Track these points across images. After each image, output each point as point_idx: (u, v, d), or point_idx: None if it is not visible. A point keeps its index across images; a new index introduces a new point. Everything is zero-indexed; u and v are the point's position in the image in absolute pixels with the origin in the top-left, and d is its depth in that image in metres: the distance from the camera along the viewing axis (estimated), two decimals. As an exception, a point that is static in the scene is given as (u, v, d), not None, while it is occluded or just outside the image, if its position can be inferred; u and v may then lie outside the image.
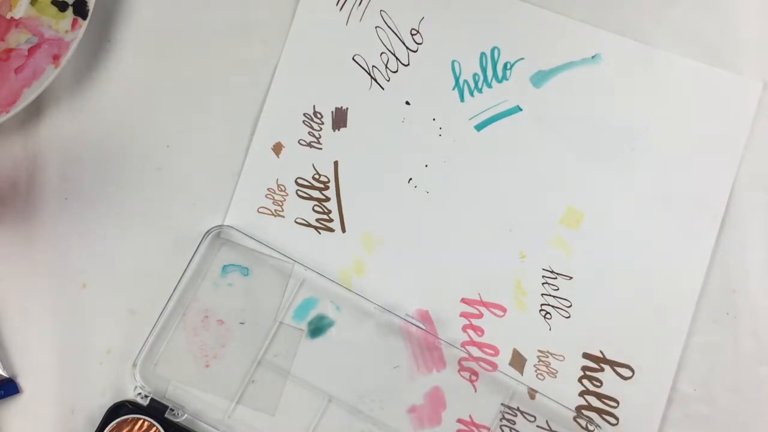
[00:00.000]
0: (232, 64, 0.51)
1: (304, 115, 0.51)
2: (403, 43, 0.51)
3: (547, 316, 0.50)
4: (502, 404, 0.50)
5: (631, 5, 0.50)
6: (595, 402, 0.50)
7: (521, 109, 0.50)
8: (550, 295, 0.50)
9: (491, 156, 0.50)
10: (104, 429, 0.49)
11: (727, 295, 0.50)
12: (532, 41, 0.50)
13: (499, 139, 0.50)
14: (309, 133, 0.51)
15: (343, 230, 0.51)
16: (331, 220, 0.51)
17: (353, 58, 0.51)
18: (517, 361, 0.50)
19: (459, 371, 0.50)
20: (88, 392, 0.50)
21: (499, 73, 0.50)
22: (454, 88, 0.51)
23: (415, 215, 0.50)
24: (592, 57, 0.50)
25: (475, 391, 0.50)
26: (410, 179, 0.51)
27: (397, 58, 0.51)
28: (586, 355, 0.50)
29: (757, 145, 0.50)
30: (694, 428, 0.49)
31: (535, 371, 0.50)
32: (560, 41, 0.50)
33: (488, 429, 0.50)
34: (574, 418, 0.49)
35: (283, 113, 0.51)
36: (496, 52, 0.50)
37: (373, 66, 0.51)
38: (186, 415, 0.49)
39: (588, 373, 0.50)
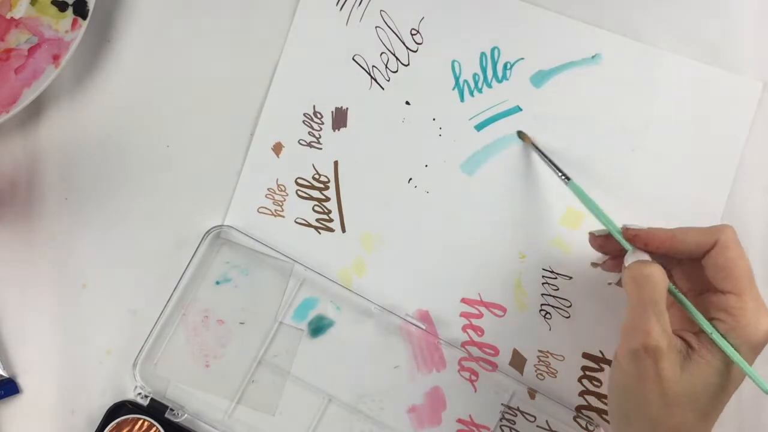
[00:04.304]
0: (232, 65, 0.51)
1: (304, 115, 0.51)
2: (403, 43, 0.51)
3: (547, 316, 0.50)
4: (502, 404, 0.50)
5: (631, 5, 0.50)
6: (595, 402, 0.50)
7: (521, 109, 0.50)
8: (550, 295, 0.50)
9: (491, 156, 0.50)
10: (104, 429, 0.49)
11: (728, 295, 0.50)
12: (532, 41, 0.50)
13: (499, 139, 0.50)
14: (309, 133, 0.51)
15: (343, 230, 0.51)
16: (331, 220, 0.51)
17: (353, 58, 0.51)
18: (517, 361, 0.50)
19: (459, 371, 0.50)
20: (88, 392, 0.50)
21: (499, 73, 0.50)
22: (454, 88, 0.51)
23: (415, 215, 0.50)
24: (592, 57, 0.50)
25: (475, 391, 0.50)
26: (410, 179, 0.51)
27: (397, 58, 0.51)
28: (586, 355, 0.50)
29: (757, 145, 0.50)
30: (694, 428, 0.49)
31: (535, 371, 0.50)
32: (560, 41, 0.50)
33: (488, 429, 0.50)
34: (574, 418, 0.49)
35: (283, 113, 0.51)
36: (496, 52, 0.50)
37: (373, 66, 0.51)
38: (186, 415, 0.49)
39: (588, 373, 0.50)
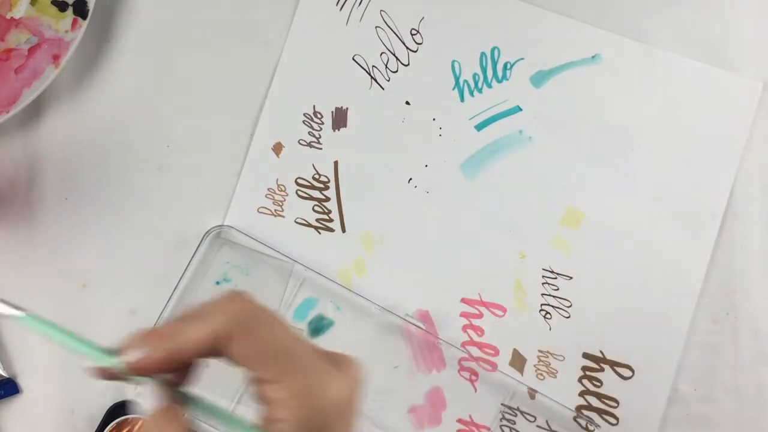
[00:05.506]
0: (232, 64, 0.51)
1: (304, 115, 0.51)
2: (403, 43, 0.51)
3: (547, 316, 0.50)
4: (502, 404, 0.50)
5: (631, 5, 0.50)
6: (595, 402, 0.50)
7: (521, 109, 0.50)
8: (550, 295, 0.50)
9: (491, 156, 0.50)
10: (104, 429, 0.49)
11: (727, 295, 0.50)
12: (532, 41, 0.50)
13: (499, 139, 0.50)
14: (309, 133, 0.51)
15: (343, 230, 0.51)
16: (331, 220, 0.51)
17: (353, 58, 0.51)
18: (517, 361, 0.50)
19: (459, 371, 0.50)
20: (88, 392, 0.50)
21: (499, 73, 0.50)
22: (454, 88, 0.50)
23: (415, 215, 0.50)
24: (592, 57, 0.50)
25: (475, 391, 0.50)
26: (410, 179, 0.51)
27: (397, 58, 0.51)
28: (586, 355, 0.50)
29: (757, 145, 0.50)
30: (694, 428, 0.49)
31: (535, 371, 0.50)
32: (560, 41, 0.50)
33: (488, 429, 0.50)
34: (574, 418, 0.49)
35: (283, 113, 0.51)
36: (496, 52, 0.50)
37: (373, 66, 0.51)
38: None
39: (588, 373, 0.50)
